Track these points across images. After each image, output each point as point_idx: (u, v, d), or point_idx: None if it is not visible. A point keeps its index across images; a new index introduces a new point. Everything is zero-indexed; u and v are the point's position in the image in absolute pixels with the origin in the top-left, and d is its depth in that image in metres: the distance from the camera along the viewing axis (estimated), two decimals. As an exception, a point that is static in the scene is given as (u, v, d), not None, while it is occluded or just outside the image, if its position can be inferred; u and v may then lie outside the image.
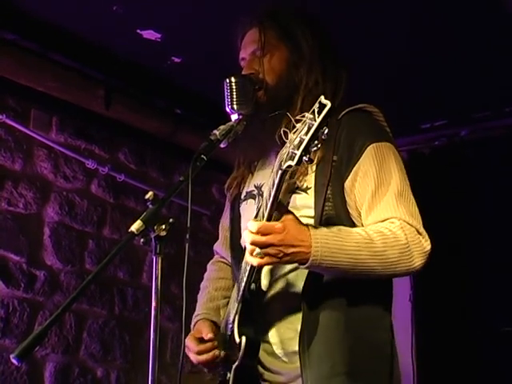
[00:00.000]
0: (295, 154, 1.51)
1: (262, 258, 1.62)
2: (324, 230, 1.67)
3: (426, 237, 1.73)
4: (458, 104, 3.62)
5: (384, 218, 1.72)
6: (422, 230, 1.73)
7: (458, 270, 3.78)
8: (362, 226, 1.76)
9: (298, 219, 1.67)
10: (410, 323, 3.78)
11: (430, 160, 4.02)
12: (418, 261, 1.70)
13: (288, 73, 1.90)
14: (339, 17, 2.75)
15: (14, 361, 1.39)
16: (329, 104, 1.49)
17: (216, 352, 1.86)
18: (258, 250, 1.61)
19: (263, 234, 1.60)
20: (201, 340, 1.90)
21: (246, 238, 1.63)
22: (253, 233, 1.61)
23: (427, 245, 1.72)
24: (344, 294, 1.74)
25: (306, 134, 1.49)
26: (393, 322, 1.83)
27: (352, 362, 1.70)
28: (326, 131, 1.50)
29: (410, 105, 3.62)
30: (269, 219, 1.66)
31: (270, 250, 1.60)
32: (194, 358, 1.90)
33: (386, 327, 1.80)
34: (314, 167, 1.80)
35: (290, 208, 1.80)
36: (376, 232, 1.68)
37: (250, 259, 1.64)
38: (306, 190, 1.80)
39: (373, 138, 1.80)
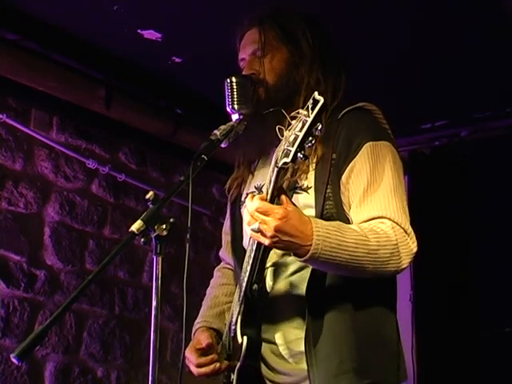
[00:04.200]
0: (290, 151, 1.51)
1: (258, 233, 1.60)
2: (325, 223, 1.65)
3: (414, 238, 1.72)
4: (458, 104, 3.62)
5: (373, 215, 1.72)
6: (409, 230, 1.72)
7: (459, 271, 3.78)
8: None
9: (300, 209, 1.65)
10: (410, 323, 3.78)
11: (430, 160, 4.02)
12: (405, 262, 1.69)
13: (289, 73, 1.90)
14: (340, 17, 2.75)
15: (15, 360, 1.39)
16: (322, 100, 1.49)
17: (217, 365, 1.85)
18: (256, 224, 1.59)
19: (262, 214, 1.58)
20: (201, 352, 1.89)
21: (248, 206, 1.61)
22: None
23: (414, 246, 1.71)
24: (348, 294, 1.74)
25: (301, 130, 1.50)
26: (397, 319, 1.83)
27: (359, 358, 1.69)
28: (319, 127, 1.50)
29: (411, 105, 3.62)
30: None
31: (267, 232, 1.58)
32: (194, 370, 1.89)
33: (391, 325, 1.80)
34: (314, 166, 1.80)
35: None
36: (370, 230, 1.68)
37: (248, 230, 1.63)
38: (306, 190, 1.79)
39: (370, 136, 1.80)
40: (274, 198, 1.63)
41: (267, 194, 1.62)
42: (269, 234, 1.57)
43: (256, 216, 1.58)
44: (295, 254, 1.64)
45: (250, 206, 1.60)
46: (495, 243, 3.73)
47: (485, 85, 3.39)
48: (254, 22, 1.97)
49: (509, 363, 3.49)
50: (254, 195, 1.64)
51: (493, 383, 3.56)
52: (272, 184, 1.61)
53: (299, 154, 1.51)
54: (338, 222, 1.69)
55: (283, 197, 1.63)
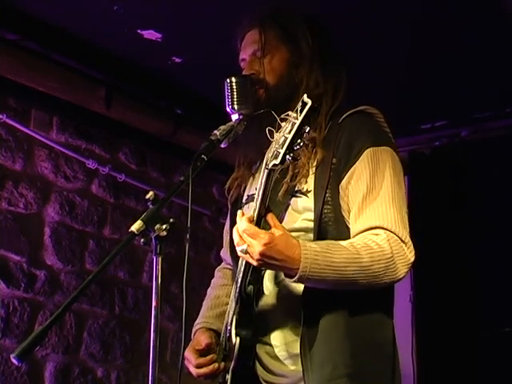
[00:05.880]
0: (279, 153, 1.53)
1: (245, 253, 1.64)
2: (314, 245, 1.66)
3: (411, 247, 1.72)
4: (458, 104, 3.62)
5: (370, 225, 1.72)
6: (407, 239, 1.72)
7: (459, 271, 3.78)
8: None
9: (288, 234, 1.66)
10: (410, 324, 3.78)
11: (430, 160, 4.02)
12: (402, 272, 1.70)
13: (288, 73, 1.90)
14: (340, 17, 2.75)
15: (15, 361, 1.39)
16: (309, 102, 1.51)
17: (216, 365, 1.86)
18: (244, 246, 1.62)
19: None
20: (200, 352, 1.90)
21: (238, 225, 1.65)
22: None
23: (411, 256, 1.71)
24: (345, 296, 1.74)
25: (290, 132, 1.52)
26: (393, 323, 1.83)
27: (354, 363, 1.69)
28: (307, 129, 1.53)
29: (411, 105, 3.62)
30: (258, 220, 1.66)
31: (253, 255, 1.61)
32: (193, 371, 1.90)
33: (387, 329, 1.80)
34: (314, 170, 1.80)
35: (292, 211, 1.81)
36: (363, 246, 1.68)
37: (237, 248, 1.66)
38: (306, 193, 1.80)
39: (371, 141, 1.79)
40: (261, 218, 1.65)
41: (254, 211, 1.65)
42: (255, 257, 1.61)
43: (244, 237, 1.62)
44: (285, 275, 1.67)
45: (239, 226, 1.64)
46: (495, 243, 3.72)
47: (485, 85, 3.39)
48: (254, 23, 1.97)
49: (509, 363, 3.49)
50: (243, 212, 1.68)
51: (493, 383, 3.57)
52: (262, 186, 1.63)
53: (288, 156, 1.54)
54: (328, 242, 1.69)
55: (270, 218, 1.65)
